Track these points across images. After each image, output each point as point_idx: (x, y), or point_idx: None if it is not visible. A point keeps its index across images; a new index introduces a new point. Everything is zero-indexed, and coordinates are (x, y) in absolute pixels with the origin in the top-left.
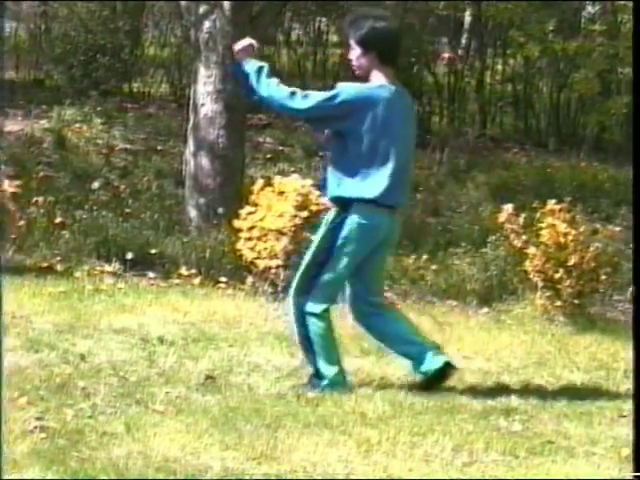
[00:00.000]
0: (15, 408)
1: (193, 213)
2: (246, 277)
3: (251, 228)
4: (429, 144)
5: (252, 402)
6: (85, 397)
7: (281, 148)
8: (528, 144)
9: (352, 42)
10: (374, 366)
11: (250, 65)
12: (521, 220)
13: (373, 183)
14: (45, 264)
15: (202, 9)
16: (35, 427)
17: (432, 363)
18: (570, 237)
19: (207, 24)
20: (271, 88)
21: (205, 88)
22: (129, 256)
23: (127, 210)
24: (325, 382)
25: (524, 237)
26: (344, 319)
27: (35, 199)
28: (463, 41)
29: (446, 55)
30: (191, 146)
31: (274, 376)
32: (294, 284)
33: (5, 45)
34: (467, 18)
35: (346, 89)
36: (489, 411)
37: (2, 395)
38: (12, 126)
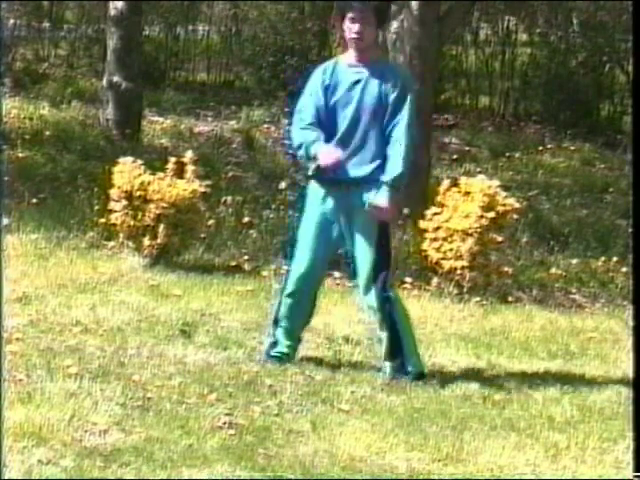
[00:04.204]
0: (205, 404)
1: None
2: (431, 278)
3: (437, 229)
4: (620, 144)
5: (437, 403)
6: (272, 395)
7: (467, 148)
8: None
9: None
10: (561, 369)
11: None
12: None
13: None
14: (233, 263)
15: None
16: (224, 423)
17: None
18: None
19: (395, 24)
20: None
21: None
22: None
23: None
24: (410, 368)
25: None
26: (531, 322)
27: (224, 199)
28: None
29: None
30: None
31: (459, 377)
32: (375, 287)
33: (197, 47)
34: None
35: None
36: None
37: (2, 395)
38: (202, 127)
